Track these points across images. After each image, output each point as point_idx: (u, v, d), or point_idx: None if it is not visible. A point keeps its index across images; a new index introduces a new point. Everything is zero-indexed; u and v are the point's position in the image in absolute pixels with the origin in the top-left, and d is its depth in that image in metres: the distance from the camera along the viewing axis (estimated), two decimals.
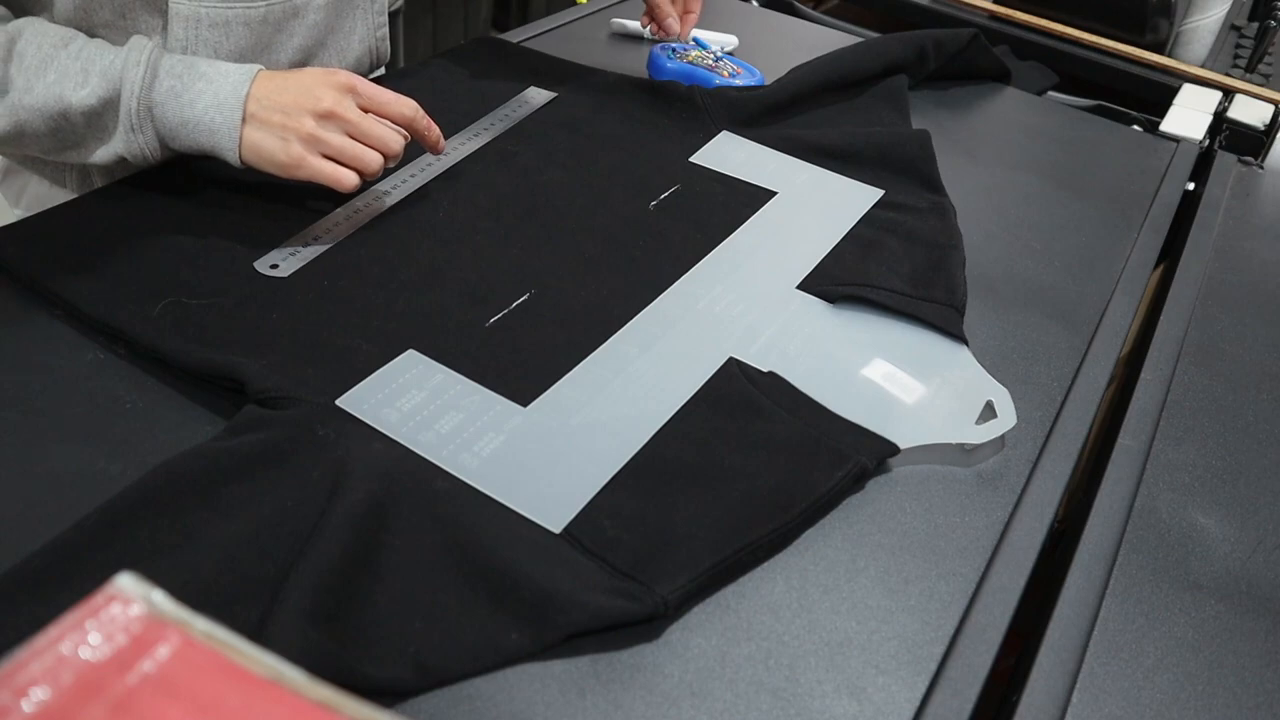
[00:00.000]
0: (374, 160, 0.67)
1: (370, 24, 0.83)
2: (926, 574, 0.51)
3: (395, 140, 0.68)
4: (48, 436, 0.53)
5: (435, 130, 0.71)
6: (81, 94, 0.63)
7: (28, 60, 0.63)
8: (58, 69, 0.63)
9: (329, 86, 0.66)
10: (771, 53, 1.06)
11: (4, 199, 0.87)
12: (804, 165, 0.84)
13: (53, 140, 0.66)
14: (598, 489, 0.52)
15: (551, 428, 0.56)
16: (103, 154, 0.67)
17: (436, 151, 0.72)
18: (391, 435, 0.54)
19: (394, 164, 0.70)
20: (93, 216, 0.68)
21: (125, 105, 0.64)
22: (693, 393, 0.59)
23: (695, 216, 0.76)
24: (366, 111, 0.67)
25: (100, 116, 0.65)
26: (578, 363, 0.61)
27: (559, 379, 0.59)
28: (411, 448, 0.53)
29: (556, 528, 0.50)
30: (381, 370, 0.58)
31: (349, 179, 0.66)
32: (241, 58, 0.73)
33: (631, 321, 0.65)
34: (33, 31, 0.64)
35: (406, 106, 0.69)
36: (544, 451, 0.54)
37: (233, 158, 0.66)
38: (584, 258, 0.70)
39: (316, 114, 0.65)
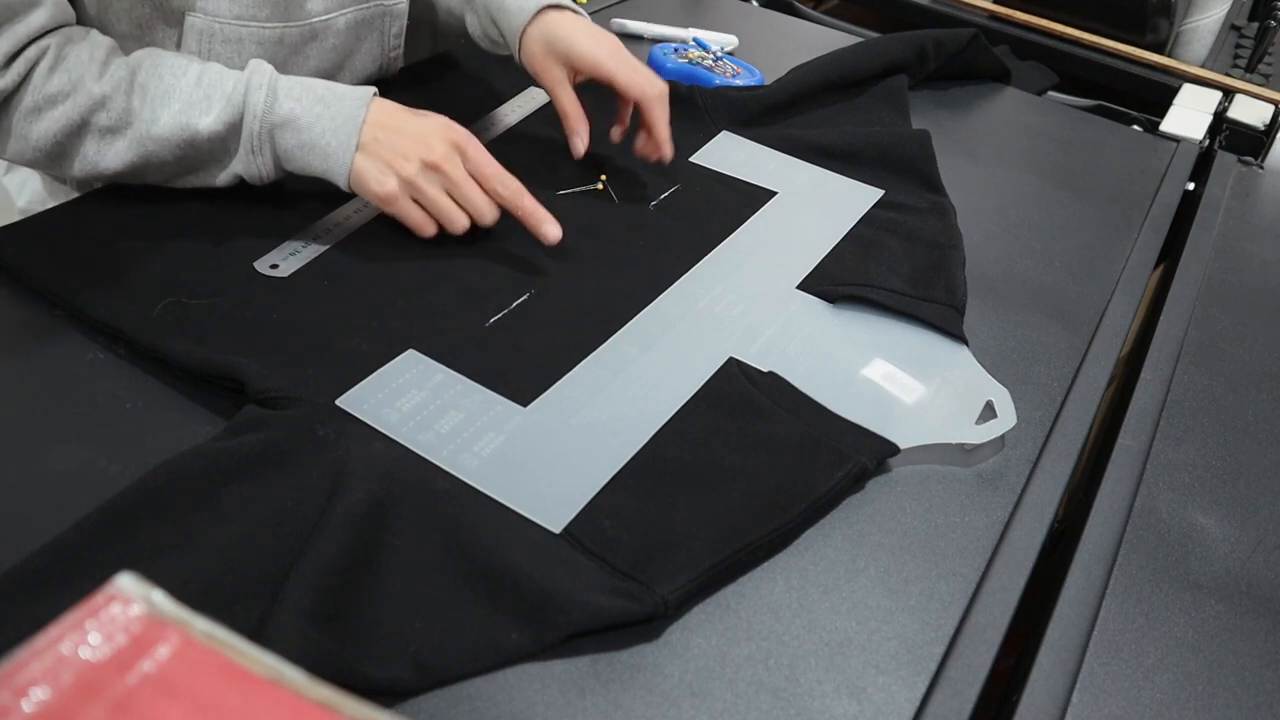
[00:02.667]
0: (461, 222, 0.68)
1: (385, 45, 0.83)
2: (926, 574, 0.51)
3: (489, 213, 0.68)
4: (48, 436, 0.53)
5: (541, 213, 0.68)
6: (207, 120, 0.64)
7: (150, 92, 0.64)
8: (181, 98, 0.64)
9: (443, 140, 0.66)
10: (771, 53, 1.06)
11: (6, 196, 0.87)
12: (804, 165, 0.84)
13: (176, 167, 0.67)
14: (598, 489, 0.52)
15: (551, 428, 0.56)
16: (222, 177, 0.68)
17: (547, 241, 0.68)
18: (391, 435, 0.54)
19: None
20: (93, 216, 0.68)
21: (248, 128, 0.65)
22: (693, 393, 0.59)
23: (695, 216, 0.76)
24: (472, 175, 0.68)
25: (224, 140, 0.66)
26: (578, 363, 0.61)
27: (559, 379, 0.59)
28: (411, 448, 0.53)
29: (556, 528, 0.50)
30: (381, 370, 0.58)
31: (429, 230, 0.68)
32: None
33: (631, 321, 0.65)
34: (151, 62, 0.65)
35: (505, 186, 0.68)
36: (544, 451, 0.54)
37: (343, 182, 0.66)
38: (584, 258, 0.70)
39: (424, 162, 0.66)
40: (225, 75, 0.66)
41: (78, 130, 0.64)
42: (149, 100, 0.64)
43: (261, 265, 0.65)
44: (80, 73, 0.63)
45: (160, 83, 0.64)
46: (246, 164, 0.67)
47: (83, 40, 0.64)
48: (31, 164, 0.66)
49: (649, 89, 0.76)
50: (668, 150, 0.78)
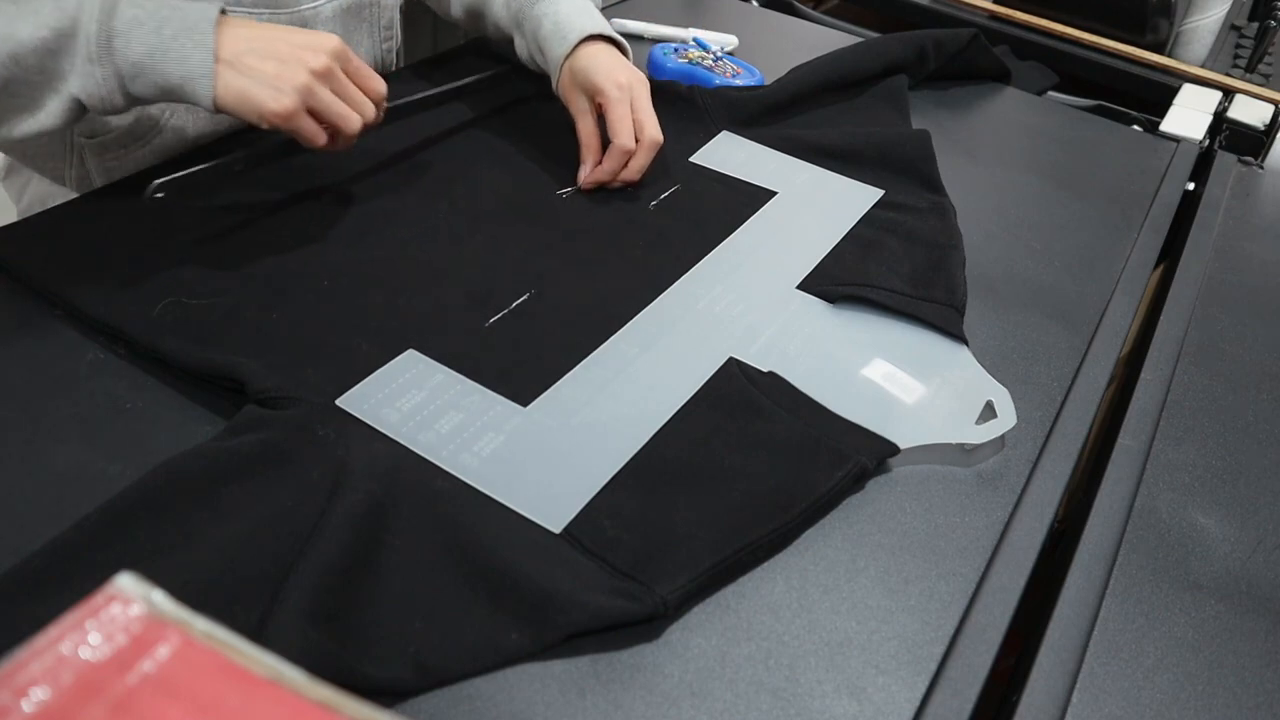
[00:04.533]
0: (355, 123, 0.66)
1: (376, 37, 0.83)
2: (926, 574, 0.51)
3: (371, 109, 0.67)
4: (48, 436, 0.53)
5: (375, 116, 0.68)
6: (30, 26, 0.57)
7: None
8: (5, 11, 0.58)
9: (321, 50, 0.63)
10: (771, 53, 1.06)
11: (6, 197, 0.87)
12: (804, 165, 0.84)
13: (4, 94, 0.60)
14: (598, 489, 0.52)
15: (551, 428, 0.56)
16: (54, 103, 0.61)
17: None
18: (391, 435, 0.54)
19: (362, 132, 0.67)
20: (93, 216, 0.68)
21: (84, 32, 0.58)
22: (693, 393, 0.59)
23: (695, 216, 0.76)
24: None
25: (54, 54, 0.59)
26: (578, 363, 0.61)
27: (559, 379, 0.59)
28: (411, 448, 0.53)
29: (556, 528, 0.50)
30: (381, 370, 0.58)
31: (321, 140, 0.65)
32: None
33: (631, 321, 0.65)
34: None
35: (380, 84, 0.68)
36: (544, 451, 0.54)
37: (205, 92, 0.60)
38: (584, 258, 0.70)
39: (312, 70, 0.63)
40: None
41: None
42: None
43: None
44: None
45: None
46: (85, 78, 0.59)
47: None
48: None
49: (629, 141, 0.75)
50: (616, 181, 0.78)
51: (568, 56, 0.77)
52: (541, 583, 0.46)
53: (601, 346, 0.62)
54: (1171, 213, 0.87)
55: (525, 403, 0.57)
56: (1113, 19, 1.18)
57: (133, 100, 0.62)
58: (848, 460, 0.55)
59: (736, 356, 0.62)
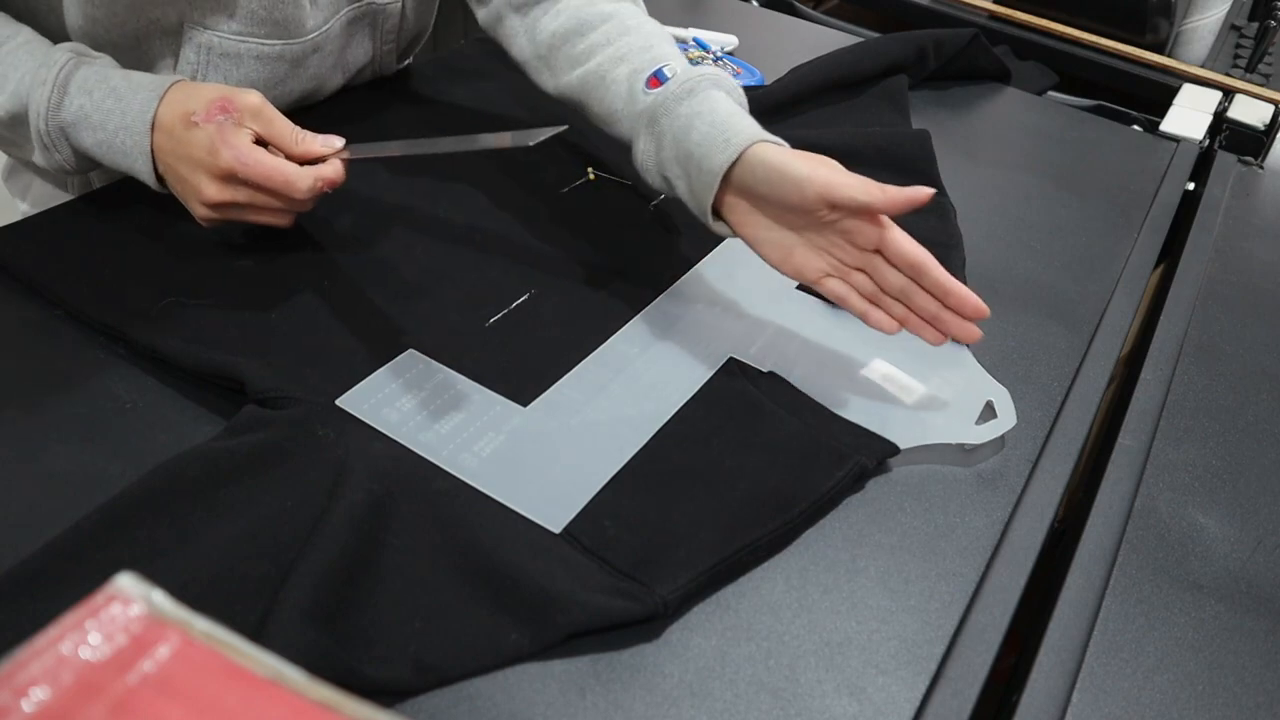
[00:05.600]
0: (281, 222, 0.64)
1: (378, 41, 0.83)
2: (926, 574, 0.51)
3: (298, 206, 0.63)
4: (48, 436, 0.53)
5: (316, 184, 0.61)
6: None
7: None
8: None
9: (213, 176, 0.60)
10: (771, 53, 1.06)
11: (7, 198, 0.87)
12: None
13: None
14: (598, 489, 0.52)
15: (551, 428, 0.56)
16: (36, 158, 0.64)
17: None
18: (391, 435, 0.54)
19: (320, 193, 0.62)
20: (93, 216, 0.68)
21: (34, 126, 0.62)
22: (693, 393, 0.59)
23: (696, 216, 0.76)
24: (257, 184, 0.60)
25: (15, 128, 0.63)
26: (578, 363, 0.61)
27: (559, 379, 0.59)
28: (411, 448, 0.53)
29: (556, 528, 0.50)
30: (381, 370, 0.58)
31: (279, 223, 0.64)
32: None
33: (631, 321, 0.65)
34: None
35: (293, 186, 0.60)
36: (544, 451, 0.54)
37: (151, 182, 0.63)
38: (584, 258, 0.70)
39: (205, 203, 0.61)
40: (30, 58, 0.61)
41: None
42: None
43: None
44: None
45: None
46: (47, 159, 0.63)
47: None
48: None
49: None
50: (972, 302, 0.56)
51: (735, 163, 0.59)
52: (541, 583, 0.46)
53: (601, 346, 0.62)
54: (1171, 213, 0.87)
55: (525, 403, 0.57)
56: (1113, 19, 1.18)
57: (101, 166, 0.65)
58: (848, 460, 0.55)
59: (736, 356, 0.62)
